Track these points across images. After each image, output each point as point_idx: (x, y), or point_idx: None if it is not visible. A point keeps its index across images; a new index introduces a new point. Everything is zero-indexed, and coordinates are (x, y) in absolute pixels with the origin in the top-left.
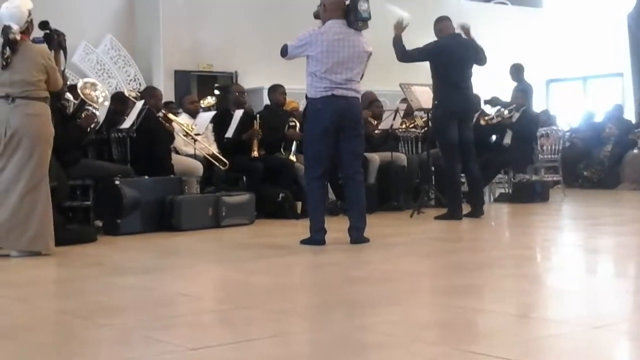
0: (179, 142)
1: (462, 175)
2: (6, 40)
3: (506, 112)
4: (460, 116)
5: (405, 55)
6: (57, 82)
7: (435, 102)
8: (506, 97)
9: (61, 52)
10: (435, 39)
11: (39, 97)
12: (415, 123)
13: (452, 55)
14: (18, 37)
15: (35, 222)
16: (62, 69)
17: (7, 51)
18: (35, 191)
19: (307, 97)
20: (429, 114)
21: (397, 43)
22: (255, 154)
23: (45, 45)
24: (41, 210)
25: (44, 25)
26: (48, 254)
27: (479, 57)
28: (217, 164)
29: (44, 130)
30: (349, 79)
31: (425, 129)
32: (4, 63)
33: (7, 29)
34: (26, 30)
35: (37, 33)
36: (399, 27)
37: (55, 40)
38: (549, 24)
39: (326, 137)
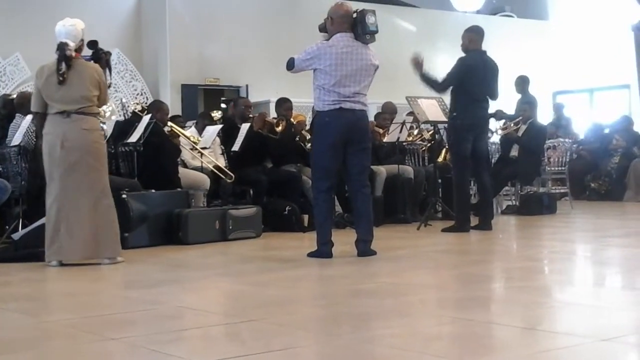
0: (187, 154)
1: (472, 187)
2: (63, 57)
3: (512, 124)
4: (478, 129)
5: (442, 88)
6: (106, 99)
7: (454, 113)
8: (511, 110)
9: (107, 70)
10: (460, 46)
11: (93, 112)
12: (422, 136)
13: (477, 72)
14: (73, 54)
15: (105, 232)
16: (108, 85)
17: (63, 67)
18: (100, 203)
19: (313, 110)
20: (436, 127)
21: (427, 80)
22: (279, 128)
23: (95, 63)
24: (110, 220)
25: (92, 44)
26: (117, 257)
27: (495, 86)
28: (223, 177)
29: (99, 144)
30: (357, 92)
31: (432, 142)
32: (61, 79)
33: (64, 46)
34: (79, 48)
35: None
36: (418, 65)
37: (103, 58)
38: (555, 36)
39: (334, 151)
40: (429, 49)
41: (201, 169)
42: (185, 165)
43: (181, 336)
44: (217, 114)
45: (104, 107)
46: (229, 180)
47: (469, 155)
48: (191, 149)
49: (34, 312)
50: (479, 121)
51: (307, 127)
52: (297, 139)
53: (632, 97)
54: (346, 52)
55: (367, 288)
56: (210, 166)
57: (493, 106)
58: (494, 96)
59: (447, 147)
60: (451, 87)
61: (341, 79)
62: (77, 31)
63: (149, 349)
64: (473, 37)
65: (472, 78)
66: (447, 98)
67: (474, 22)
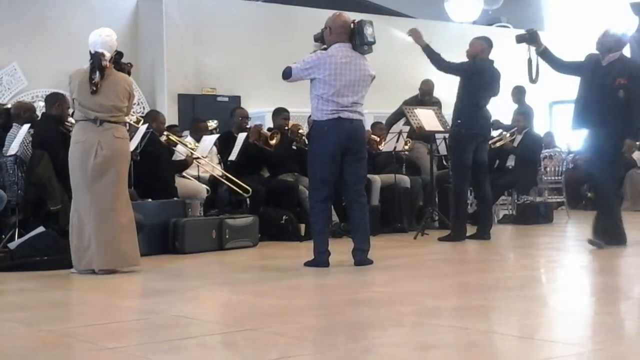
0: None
1: (474, 196)
2: (98, 66)
3: (508, 135)
4: (480, 138)
5: (443, 66)
6: (130, 110)
7: (459, 120)
8: (508, 120)
9: None
10: (467, 52)
11: (122, 121)
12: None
13: (485, 79)
14: (108, 64)
15: (132, 238)
16: None
17: (97, 77)
18: (124, 214)
19: (309, 120)
20: (433, 136)
21: (431, 53)
22: (273, 141)
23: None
24: (132, 231)
25: (117, 55)
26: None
27: (498, 87)
28: (240, 192)
29: (128, 152)
30: (355, 102)
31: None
32: (94, 88)
33: (100, 56)
34: (111, 59)
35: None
36: (418, 36)
37: (125, 69)
38: (551, 46)
39: (332, 160)
40: (425, 59)
41: (198, 178)
42: (181, 175)
43: (177, 346)
44: (212, 124)
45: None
46: (246, 195)
47: (470, 165)
48: (194, 159)
49: (29, 322)
50: (482, 131)
51: (303, 130)
52: (295, 143)
53: None
54: (345, 63)
55: (364, 297)
56: (213, 173)
57: (492, 115)
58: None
59: (446, 155)
60: (457, 93)
61: (340, 89)
62: (113, 42)
63: (145, 358)
64: (485, 46)
65: (481, 84)
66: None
67: (471, 33)
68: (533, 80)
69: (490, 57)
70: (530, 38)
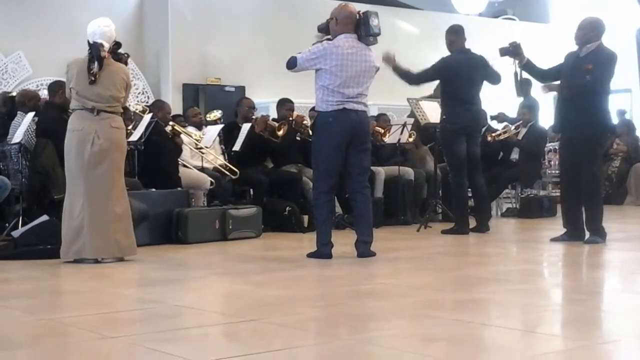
0: (186, 154)
1: (469, 189)
2: (97, 57)
3: (512, 128)
4: (468, 132)
5: (414, 80)
6: (127, 100)
7: (444, 117)
8: (513, 113)
9: None
10: (446, 49)
11: (119, 111)
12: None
13: (461, 72)
14: (106, 54)
15: (127, 228)
16: None
17: (95, 67)
18: (120, 202)
19: (312, 110)
20: (436, 129)
21: (401, 73)
22: (281, 132)
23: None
24: (128, 219)
25: (115, 45)
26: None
27: (490, 75)
28: (228, 173)
29: (124, 142)
30: (360, 93)
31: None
32: (92, 79)
33: (99, 46)
34: (109, 49)
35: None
36: (390, 60)
37: (123, 59)
38: (557, 39)
39: (337, 151)
40: (430, 51)
41: (202, 169)
42: (184, 166)
43: (180, 335)
44: (217, 114)
45: None
46: (233, 177)
47: (464, 157)
48: (197, 149)
49: (32, 310)
50: (468, 124)
51: (307, 121)
52: (299, 134)
53: (633, 101)
54: (351, 53)
55: (366, 289)
56: (215, 164)
57: (495, 108)
58: (495, 81)
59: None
60: (440, 89)
61: (346, 80)
62: (112, 32)
63: (147, 347)
64: (452, 38)
65: (457, 79)
66: None
67: (477, 25)
68: (520, 94)
69: (496, 49)
70: (513, 51)
